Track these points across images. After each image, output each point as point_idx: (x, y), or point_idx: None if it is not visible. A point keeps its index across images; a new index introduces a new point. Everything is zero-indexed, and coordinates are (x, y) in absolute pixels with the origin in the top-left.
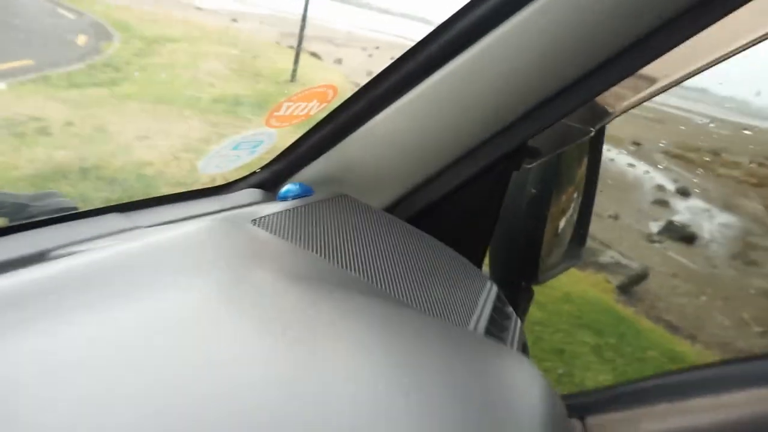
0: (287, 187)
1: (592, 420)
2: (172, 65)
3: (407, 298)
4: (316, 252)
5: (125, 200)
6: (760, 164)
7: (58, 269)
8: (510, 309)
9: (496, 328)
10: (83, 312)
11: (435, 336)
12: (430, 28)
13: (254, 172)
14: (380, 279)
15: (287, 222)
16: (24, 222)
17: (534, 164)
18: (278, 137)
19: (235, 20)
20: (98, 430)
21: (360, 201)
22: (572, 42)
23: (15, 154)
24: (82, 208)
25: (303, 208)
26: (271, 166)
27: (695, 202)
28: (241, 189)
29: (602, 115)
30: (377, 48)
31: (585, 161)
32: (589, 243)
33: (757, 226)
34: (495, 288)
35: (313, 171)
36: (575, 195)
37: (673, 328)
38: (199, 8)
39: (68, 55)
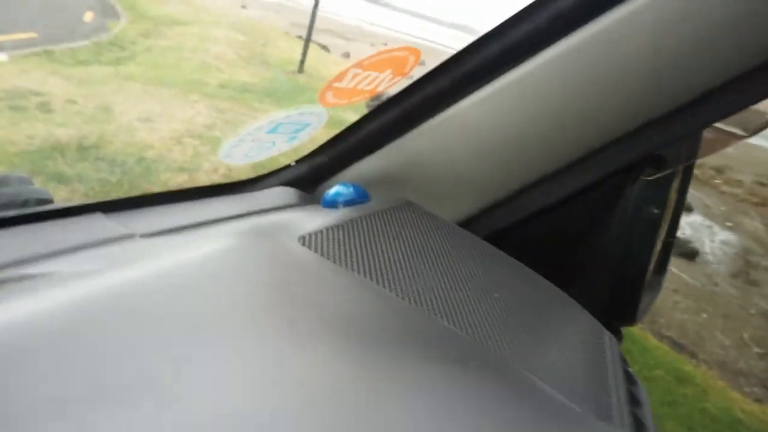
0: (336, 189)
1: None
2: (179, 48)
3: (523, 363)
4: (391, 289)
5: (125, 184)
6: (762, 184)
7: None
8: (632, 371)
9: (634, 406)
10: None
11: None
12: (445, 29)
13: (288, 166)
14: (481, 331)
15: (345, 240)
16: None
17: (655, 177)
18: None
19: (244, 7)
20: None
21: (430, 212)
22: (731, 30)
23: (13, 129)
24: (76, 194)
25: (362, 221)
26: (311, 159)
27: (697, 218)
28: (271, 186)
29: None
30: (385, 44)
31: (678, 179)
32: None
33: (758, 245)
34: (616, 343)
35: (365, 169)
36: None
37: (677, 346)
38: None
39: (74, 31)
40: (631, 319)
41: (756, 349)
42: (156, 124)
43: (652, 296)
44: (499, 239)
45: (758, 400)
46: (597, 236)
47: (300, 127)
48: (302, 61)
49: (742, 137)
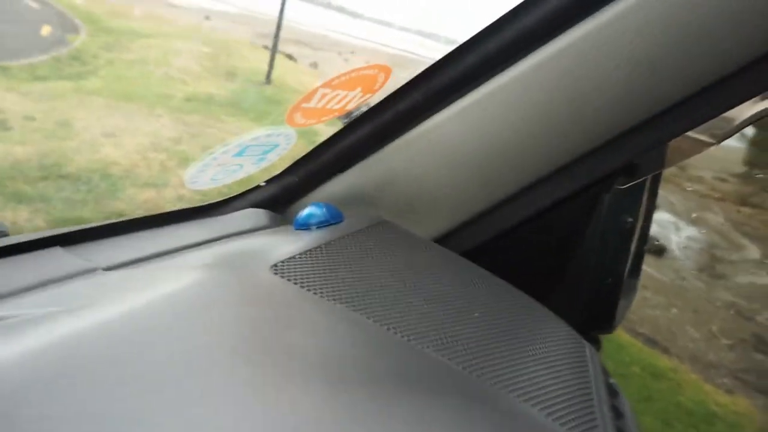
0: (308, 210)
1: None
2: (143, 61)
3: (505, 385)
4: (368, 315)
5: (90, 202)
6: (722, 179)
7: None
8: (614, 381)
9: (618, 419)
10: None
11: None
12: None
13: (258, 186)
14: (461, 353)
15: (320, 265)
16: None
17: (628, 185)
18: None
19: (208, 17)
20: None
21: (406, 230)
22: (699, 42)
23: None
24: (39, 213)
25: (337, 243)
26: (281, 178)
27: (663, 215)
28: (241, 208)
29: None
30: (352, 53)
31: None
32: None
33: (722, 239)
34: (596, 355)
35: (337, 187)
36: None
37: (650, 342)
38: (171, 4)
39: (31, 46)
40: (608, 327)
41: (724, 341)
42: (120, 139)
43: (628, 301)
44: (476, 254)
45: (729, 392)
46: (573, 247)
47: (269, 149)
48: (269, 72)
49: (710, 144)
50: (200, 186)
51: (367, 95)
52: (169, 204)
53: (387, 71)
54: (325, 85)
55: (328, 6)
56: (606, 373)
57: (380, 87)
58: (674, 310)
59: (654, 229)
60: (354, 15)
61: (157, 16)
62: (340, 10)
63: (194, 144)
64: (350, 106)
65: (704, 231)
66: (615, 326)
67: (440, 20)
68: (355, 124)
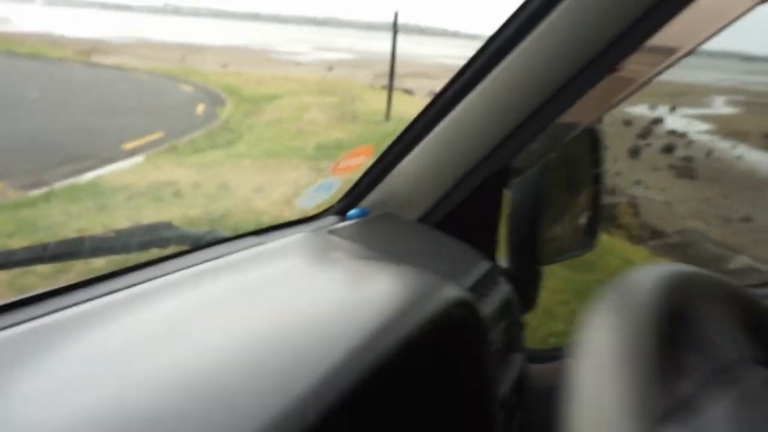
0: (352, 212)
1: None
2: (278, 120)
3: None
4: (367, 248)
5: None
6: None
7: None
8: (504, 282)
9: (481, 286)
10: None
11: (415, 284)
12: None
13: (338, 203)
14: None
15: (353, 233)
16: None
17: (520, 179)
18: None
19: (330, 68)
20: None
21: (400, 216)
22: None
23: (157, 216)
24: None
25: (359, 224)
26: (345, 198)
27: None
28: (327, 216)
29: (567, 130)
30: None
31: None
32: (715, 249)
33: None
34: (490, 265)
35: (371, 198)
36: (585, 193)
37: None
38: (298, 63)
39: (191, 124)
40: (537, 261)
41: None
42: (267, 192)
43: (582, 251)
44: (442, 226)
45: None
46: (497, 219)
47: (329, 187)
48: (388, 110)
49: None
50: (304, 206)
51: (369, 157)
52: None
53: (371, 148)
54: (342, 160)
55: (444, 34)
56: (495, 273)
57: (372, 152)
58: None
59: None
60: (472, 37)
61: (285, 76)
62: (455, 35)
63: None
64: (362, 163)
65: None
66: (546, 262)
67: None
68: (372, 165)
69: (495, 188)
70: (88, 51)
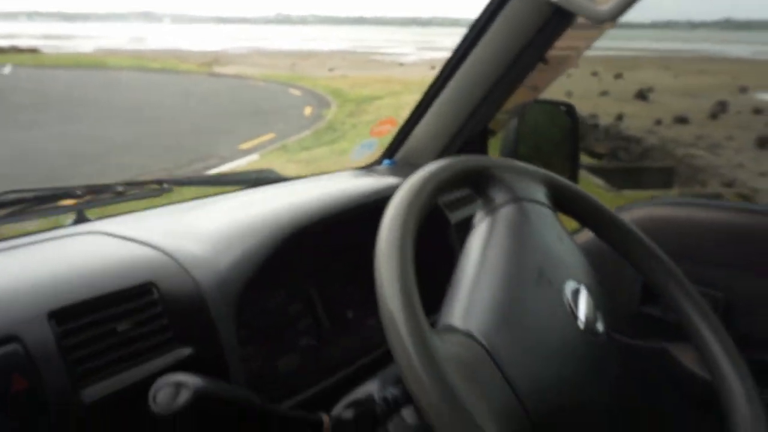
0: (385, 162)
1: None
2: (378, 119)
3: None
4: (389, 179)
5: None
6: None
7: None
8: None
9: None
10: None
11: None
12: None
13: (378, 158)
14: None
15: (383, 172)
16: None
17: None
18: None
19: (433, 67)
20: None
21: (416, 164)
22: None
23: None
24: None
25: (385, 169)
26: (385, 152)
27: None
28: (374, 165)
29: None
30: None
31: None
32: None
33: None
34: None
35: (399, 153)
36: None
37: None
38: (401, 64)
39: (299, 125)
40: None
41: None
42: None
43: None
44: None
45: None
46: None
47: (371, 146)
48: None
49: None
50: (355, 158)
51: (394, 126)
52: None
53: (394, 120)
54: (377, 125)
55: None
56: None
57: (396, 123)
58: None
59: None
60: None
61: (387, 78)
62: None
63: None
64: (390, 130)
65: None
66: None
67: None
68: (401, 129)
69: (479, 146)
70: (209, 63)
